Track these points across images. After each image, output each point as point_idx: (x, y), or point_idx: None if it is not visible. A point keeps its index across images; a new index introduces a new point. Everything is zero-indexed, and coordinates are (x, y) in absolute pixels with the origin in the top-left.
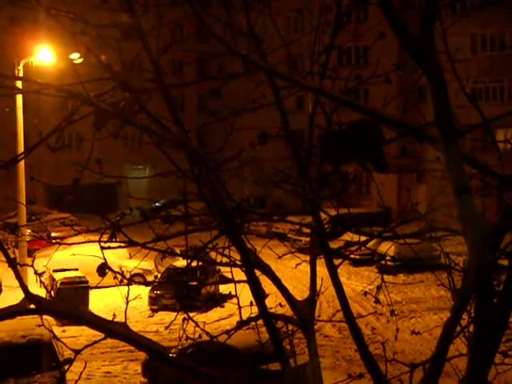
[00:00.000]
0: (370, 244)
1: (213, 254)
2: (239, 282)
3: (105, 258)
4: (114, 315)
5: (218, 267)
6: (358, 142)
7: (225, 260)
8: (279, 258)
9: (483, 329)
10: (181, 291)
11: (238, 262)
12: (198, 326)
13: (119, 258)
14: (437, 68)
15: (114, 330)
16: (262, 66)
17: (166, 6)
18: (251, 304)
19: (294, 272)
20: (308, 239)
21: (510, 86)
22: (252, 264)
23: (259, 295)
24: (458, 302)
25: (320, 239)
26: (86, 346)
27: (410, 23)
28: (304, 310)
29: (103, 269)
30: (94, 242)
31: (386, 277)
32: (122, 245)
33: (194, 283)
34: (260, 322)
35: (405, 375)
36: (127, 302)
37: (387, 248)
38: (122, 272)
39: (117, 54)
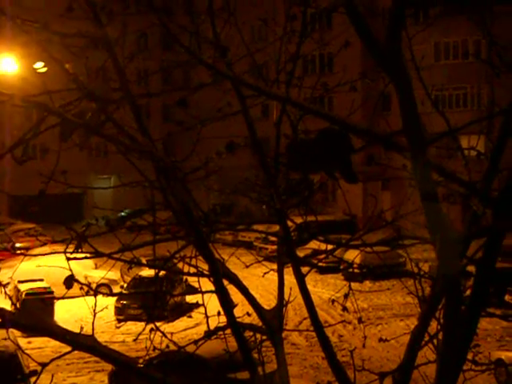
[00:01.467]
0: (337, 252)
1: (180, 264)
2: (207, 292)
3: (71, 269)
4: (82, 328)
5: (184, 276)
6: (326, 151)
7: (192, 270)
8: (247, 267)
9: (452, 336)
10: (147, 301)
11: (206, 272)
12: (165, 336)
13: (85, 268)
14: (405, 76)
15: (81, 342)
16: (229, 76)
17: (131, 14)
18: (219, 313)
19: (260, 280)
20: (274, 247)
21: (472, 93)
22: (220, 274)
23: (228, 305)
24: (426, 309)
25: (288, 248)
26: (53, 359)
27: (375, 31)
28: (272, 320)
29: (70, 281)
30: (59, 252)
31: (352, 284)
32: (88, 255)
33: (161, 293)
34: (228, 331)
35: (374, 383)
36: (94, 314)
37: (353, 255)
38: (89, 283)
39: (82, 63)
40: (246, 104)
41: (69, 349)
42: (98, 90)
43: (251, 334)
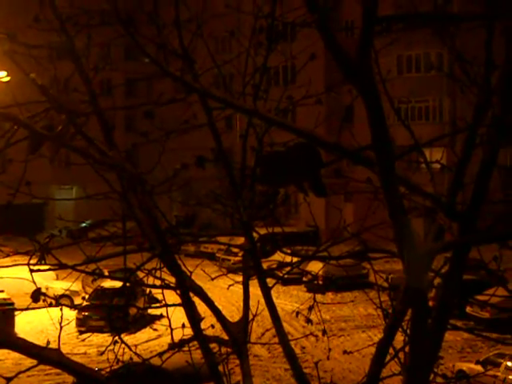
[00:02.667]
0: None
1: (141, 275)
2: (173, 305)
3: (34, 281)
4: (48, 342)
5: (146, 289)
6: (297, 164)
7: (157, 282)
8: (212, 279)
9: (418, 348)
10: (110, 313)
11: (172, 285)
12: (130, 348)
13: (46, 279)
14: (374, 91)
15: (47, 356)
16: (197, 88)
17: (97, 26)
18: (183, 326)
19: (223, 292)
20: (237, 258)
21: (434, 105)
22: (187, 287)
23: (194, 318)
24: (391, 321)
25: (253, 260)
26: (19, 373)
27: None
28: (237, 333)
29: (37, 294)
30: (22, 264)
31: (315, 296)
32: (52, 267)
33: (127, 305)
34: (192, 343)
35: None
36: (61, 328)
37: (316, 267)
38: (54, 296)
39: (50, 74)
40: (212, 116)
41: (32, 361)
42: (67, 102)
43: (215, 345)
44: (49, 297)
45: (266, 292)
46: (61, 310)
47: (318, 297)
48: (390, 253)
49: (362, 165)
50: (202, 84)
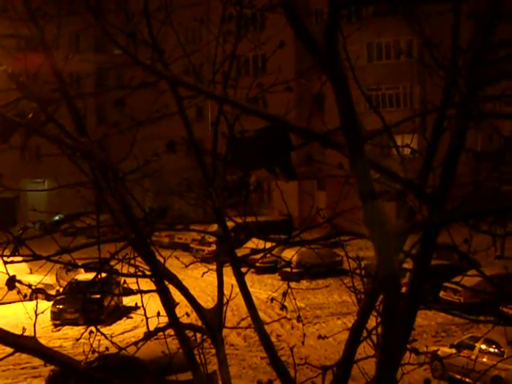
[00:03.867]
0: (274, 251)
1: (117, 266)
2: (148, 291)
3: (8, 273)
4: (24, 329)
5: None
6: (267, 148)
7: (131, 270)
8: (186, 266)
9: (390, 330)
10: (84, 305)
11: (147, 272)
12: (106, 337)
13: (19, 272)
14: (341, 75)
15: (23, 344)
16: (168, 76)
17: (66, 15)
18: (158, 314)
19: (197, 282)
20: (211, 249)
21: (405, 92)
22: (162, 273)
23: (169, 304)
24: (364, 304)
25: (227, 247)
26: None
27: (311, 31)
28: (212, 319)
29: (12, 282)
30: None
31: (289, 284)
32: (27, 259)
33: (98, 296)
34: (167, 332)
35: (316, 379)
36: (36, 316)
37: (290, 255)
38: (30, 286)
39: (21, 64)
40: (183, 104)
41: (8, 351)
42: (38, 90)
43: (192, 334)
44: (24, 284)
45: (240, 279)
46: (36, 298)
47: (293, 284)
48: (361, 235)
49: (332, 148)
50: (172, 72)
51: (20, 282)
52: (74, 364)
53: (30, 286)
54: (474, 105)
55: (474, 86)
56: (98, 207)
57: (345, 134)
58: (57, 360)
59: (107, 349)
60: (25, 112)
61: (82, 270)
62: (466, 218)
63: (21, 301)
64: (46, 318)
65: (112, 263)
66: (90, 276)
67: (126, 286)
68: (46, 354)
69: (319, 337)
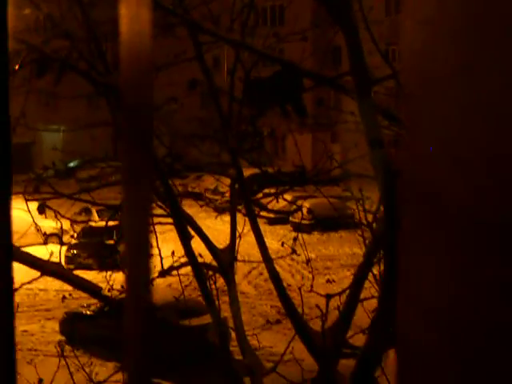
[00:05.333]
0: (285, 204)
1: None
2: (165, 224)
3: (30, 211)
4: (52, 252)
5: None
6: (280, 88)
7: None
8: (201, 207)
9: (393, 270)
10: (98, 250)
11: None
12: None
13: (35, 218)
14: (351, 20)
15: (49, 268)
16: (189, 20)
17: None
18: (173, 253)
19: (210, 230)
20: (224, 199)
21: None
22: (179, 205)
23: (185, 236)
24: (371, 244)
25: (239, 187)
26: (23, 284)
27: None
28: (224, 257)
29: (42, 207)
30: (19, 193)
31: (300, 235)
32: (47, 197)
33: (112, 242)
34: (182, 270)
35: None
36: (61, 244)
37: (303, 207)
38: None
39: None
40: (201, 50)
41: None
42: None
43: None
44: (53, 209)
45: (252, 218)
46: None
47: (304, 236)
48: (366, 176)
49: (341, 91)
50: (192, 17)
51: (49, 206)
52: (96, 289)
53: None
54: None
55: None
56: (116, 151)
57: (353, 76)
58: (79, 284)
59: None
60: (58, 49)
61: (96, 217)
62: None
63: (38, 244)
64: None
65: None
66: (103, 223)
67: None
68: (70, 278)
69: (327, 281)
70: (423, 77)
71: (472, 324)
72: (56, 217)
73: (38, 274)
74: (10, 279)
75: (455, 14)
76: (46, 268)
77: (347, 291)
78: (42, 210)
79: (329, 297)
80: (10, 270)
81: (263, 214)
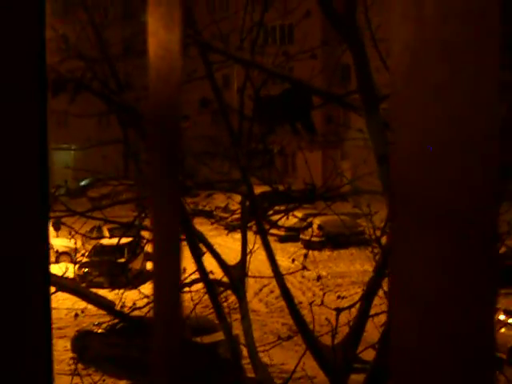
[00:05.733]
0: (296, 221)
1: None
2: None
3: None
4: (67, 269)
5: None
6: (290, 106)
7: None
8: (212, 224)
9: None
10: (110, 269)
11: None
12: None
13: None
14: (358, 40)
15: (64, 284)
16: (199, 41)
17: None
18: (184, 270)
19: (221, 248)
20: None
21: None
22: (191, 223)
23: (197, 253)
24: (381, 259)
25: (250, 204)
26: None
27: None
28: (235, 272)
29: (58, 224)
30: None
31: (311, 252)
32: (61, 214)
33: (123, 260)
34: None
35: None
36: (75, 263)
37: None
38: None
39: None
40: (211, 69)
41: None
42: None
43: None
44: (69, 227)
45: (263, 235)
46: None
47: (315, 254)
48: (374, 192)
49: (350, 109)
50: (203, 38)
51: (65, 223)
52: (110, 305)
53: (74, 229)
54: None
55: None
56: (137, 163)
57: (361, 94)
58: (94, 300)
59: (133, 308)
60: (73, 70)
61: (107, 234)
62: None
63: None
64: None
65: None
66: (115, 241)
67: (146, 252)
68: (84, 294)
69: (338, 297)
70: (405, 96)
71: (464, 322)
72: (70, 233)
73: (53, 289)
74: (48, 305)
75: (432, 39)
76: (60, 284)
77: (357, 305)
78: (57, 227)
79: (339, 311)
80: (48, 295)
81: (273, 231)
